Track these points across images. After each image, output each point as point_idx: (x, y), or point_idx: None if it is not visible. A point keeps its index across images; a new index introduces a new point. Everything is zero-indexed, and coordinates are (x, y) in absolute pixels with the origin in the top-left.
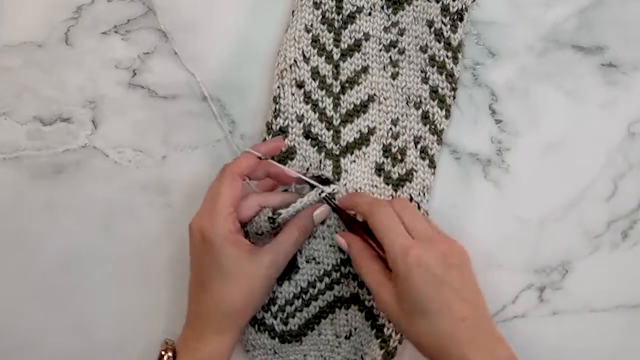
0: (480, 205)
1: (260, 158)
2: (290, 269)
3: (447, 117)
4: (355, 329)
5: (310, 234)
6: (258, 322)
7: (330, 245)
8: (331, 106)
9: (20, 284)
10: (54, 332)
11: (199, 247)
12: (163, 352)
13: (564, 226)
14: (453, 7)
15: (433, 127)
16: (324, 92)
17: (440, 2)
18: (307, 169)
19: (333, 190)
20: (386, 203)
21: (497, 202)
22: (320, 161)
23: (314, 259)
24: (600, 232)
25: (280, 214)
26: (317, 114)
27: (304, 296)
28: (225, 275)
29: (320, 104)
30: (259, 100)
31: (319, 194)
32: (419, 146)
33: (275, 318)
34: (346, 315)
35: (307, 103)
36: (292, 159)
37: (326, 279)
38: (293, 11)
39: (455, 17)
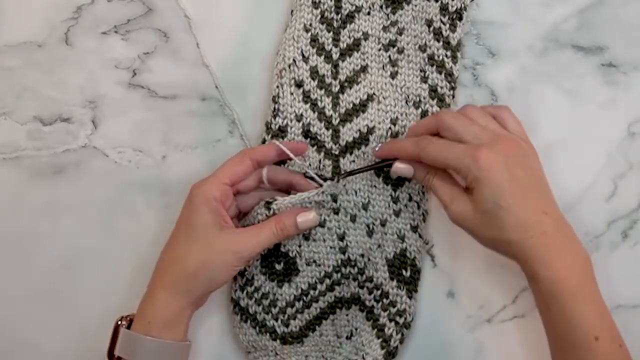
0: None
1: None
2: (290, 271)
3: None
4: (356, 329)
5: (288, 235)
6: (259, 324)
7: (330, 247)
8: (330, 105)
9: (20, 284)
10: (54, 332)
11: (184, 207)
12: (119, 321)
13: None
14: (452, 6)
15: None
16: (323, 91)
17: (439, 2)
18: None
19: (330, 189)
20: (428, 129)
21: None
22: (320, 161)
23: (314, 261)
24: (600, 232)
25: (275, 199)
26: (316, 113)
27: (304, 298)
28: (190, 235)
29: (319, 104)
30: (259, 100)
31: (320, 194)
32: None
33: (276, 320)
34: (347, 315)
35: (306, 102)
36: (291, 159)
37: (327, 281)
38: (292, 11)
39: (454, 16)
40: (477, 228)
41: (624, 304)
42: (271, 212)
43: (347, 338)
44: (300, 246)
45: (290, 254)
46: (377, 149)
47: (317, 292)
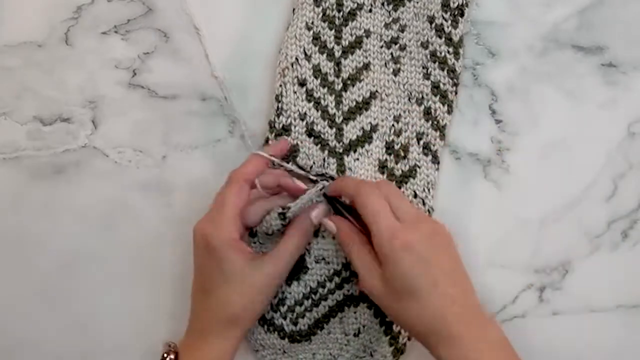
0: (481, 205)
1: (273, 163)
2: (299, 269)
3: (449, 112)
4: (364, 327)
5: (311, 235)
6: (267, 323)
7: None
8: (333, 104)
9: (20, 284)
10: (54, 332)
11: (202, 252)
12: (165, 355)
13: (564, 226)
14: (454, 3)
15: (435, 122)
16: (325, 89)
17: None
18: (311, 167)
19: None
20: (372, 184)
21: (497, 202)
22: (324, 159)
23: (323, 259)
24: (600, 232)
25: (289, 208)
26: (320, 111)
27: (313, 296)
28: (227, 281)
29: (322, 102)
30: (261, 99)
31: (320, 189)
32: (421, 142)
33: (284, 318)
34: (355, 313)
35: (309, 101)
36: (295, 157)
37: (336, 279)
38: (294, 9)
39: (456, 12)
40: (387, 306)
41: (624, 304)
42: (287, 220)
43: (355, 335)
44: (309, 244)
45: None
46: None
47: (326, 290)
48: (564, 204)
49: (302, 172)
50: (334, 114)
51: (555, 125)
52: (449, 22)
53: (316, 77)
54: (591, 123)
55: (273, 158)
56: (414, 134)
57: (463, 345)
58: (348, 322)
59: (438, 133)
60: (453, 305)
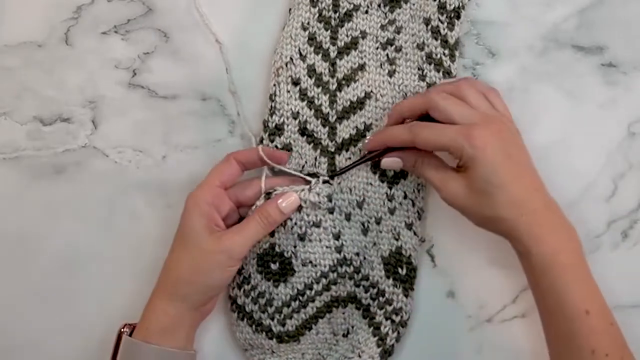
0: None
1: (273, 169)
2: (285, 272)
3: None
4: (352, 327)
5: (276, 224)
6: (255, 323)
7: (326, 247)
8: (327, 103)
9: (20, 284)
10: (54, 332)
11: (182, 214)
12: (122, 328)
13: None
14: (450, 5)
15: None
16: (320, 89)
17: (437, 0)
18: (303, 167)
19: (321, 180)
20: (416, 108)
21: None
22: (316, 158)
23: (310, 262)
24: (600, 232)
25: (275, 190)
26: (313, 110)
27: (300, 298)
28: (182, 242)
29: (316, 101)
30: (259, 100)
31: (310, 189)
32: None
33: (272, 319)
34: (343, 314)
35: (302, 100)
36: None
37: (323, 281)
38: (290, 9)
39: (452, 14)
40: (470, 207)
41: (624, 304)
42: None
43: (343, 336)
44: (295, 247)
45: (286, 254)
46: (366, 141)
47: (313, 292)
48: (564, 204)
49: (293, 173)
50: (328, 113)
51: (555, 125)
52: (445, 24)
53: (310, 77)
54: (591, 123)
55: (268, 160)
56: None
57: (547, 240)
58: (336, 323)
59: None
60: (535, 197)
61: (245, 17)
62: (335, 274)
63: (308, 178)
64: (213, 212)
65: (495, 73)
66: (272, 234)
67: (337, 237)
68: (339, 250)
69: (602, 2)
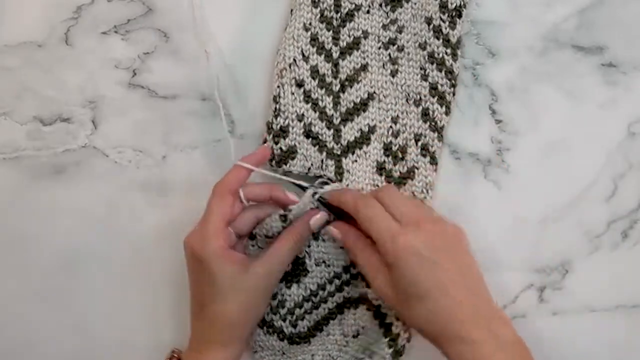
0: (480, 205)
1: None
2: (299, 272)
3: (447, 113)
4: (363, 328)
5: (306, 240)
6: (266, 324)
7: (340, 247)
8: (331, 105)
9: (20, 284)
10: (54, 332)
11: (193, 265)
12: (169, 358)
13: (564, 226)
14: (451, 4)
15: (433, 124)
16: (323, 90)
17: None
18: (309, 169)
19: (325, 189)
20: (369, 195)
21: (497, 202)
22: (322, 161)
23: (323, 262)
24: (600, 232)
25: (291, 210)
26: (317, 112)
27: (313, 299)
28: (220, 292)
29: (320, 103)
30: (259, 100)
31: (313, 195)
32: (419, 143)
33: (284, 321)
34: (354, 314)
35: (307, 102)
36: (293, 159)
37: (336, 281)
38: (291, 10)
39: (454, 13)
40: (396, 306)
41: (624, 304)
42: (287, 222)
43: (354, 337)
44: (309, 247)
45: (299, 255)
46: (325, 194)
47: (326, 292)
48: (564, 204)
49: (295, 180)
50: (332, 115)
51: (555, 125)
52: (447, 23)
53: (314, 78)
54: (591, 123)
55: (253, 168)
56: (412, 135)
57: (474, 346)
58: (347, 324)
59: (436, 134)
60: (462, 308)
61: (246, 18)
62: (348, 275)
63: (305, 184)
64: (232, 252)
65: (495, 73)
66: None
67: None
68: None
69: (602, 2)
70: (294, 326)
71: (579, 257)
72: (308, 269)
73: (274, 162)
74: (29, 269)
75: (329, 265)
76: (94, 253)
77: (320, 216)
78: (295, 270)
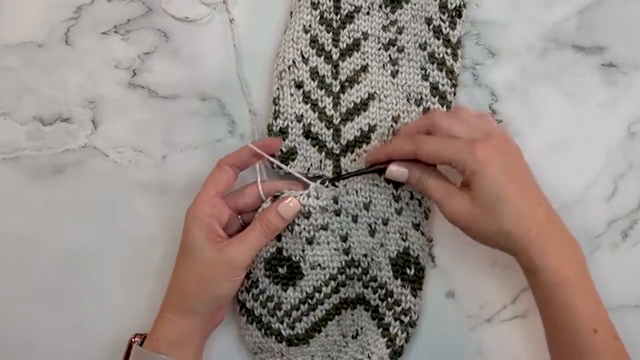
0: None
1: (272, 165)
2: (294, 276)
3: None
4: (361, 329)
5: (279, 231)
6: (264, 327)
7: (334, 249)
8: (331, 105)
9: (20, 284)
10: (54, 332)
11: (183, 228)
12: (132, 339)
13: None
14: (451, 4)
15: None
16: (323, 91)
17: (439, 0)
18: (308, 169)
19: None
20: (420, 130)
21: None
22: (321, 161)
23: (318, 265)
24: (600, 232)
25: (282, 193)
26: (317, 113)
27: (310, 301)
28: (186, 256)
29: (319, 104)
30: (259, 100)
31: (309, 193)
32: None
33: (281, 323)
34: (352, 315)
35: (306, 103)
36: (293, 160)
37: (332, 283)
38: (291, 12)
39: (454, 13)
40: (474, 224)
41: (624, 304)
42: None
43: (352, 337)
44: (303, 250)
45: (294, 259)
46: (369, 153)
47: (322, 294)
48: (564, 204)
49: (297, 176)
50: (332, 115)
51: (555, 125)
52: (447, 23)
53: (313, 80)
54: (591, 123)
55: (262, 152)
56: None
57: (554, 248)
58: (346, 325)
59: None
60: (540, 207)
61: (247, 20)
62: (343, 276)
63: (307, 181)
64: (213, 223)
65: (495, 73)
66: (278, 239)
67: (344, 239)
68: (346, 252)
69: (602, 2)
70: (292, 328)
71: None
72: (303, 272)
73: (274, 165)
74: (29, 269)
75: (324, 268)
76: (94, 253)
77: (291, 204)
78: (291, 274)
